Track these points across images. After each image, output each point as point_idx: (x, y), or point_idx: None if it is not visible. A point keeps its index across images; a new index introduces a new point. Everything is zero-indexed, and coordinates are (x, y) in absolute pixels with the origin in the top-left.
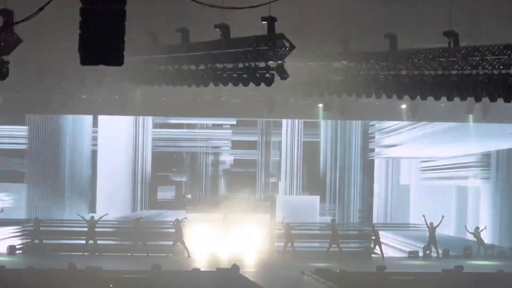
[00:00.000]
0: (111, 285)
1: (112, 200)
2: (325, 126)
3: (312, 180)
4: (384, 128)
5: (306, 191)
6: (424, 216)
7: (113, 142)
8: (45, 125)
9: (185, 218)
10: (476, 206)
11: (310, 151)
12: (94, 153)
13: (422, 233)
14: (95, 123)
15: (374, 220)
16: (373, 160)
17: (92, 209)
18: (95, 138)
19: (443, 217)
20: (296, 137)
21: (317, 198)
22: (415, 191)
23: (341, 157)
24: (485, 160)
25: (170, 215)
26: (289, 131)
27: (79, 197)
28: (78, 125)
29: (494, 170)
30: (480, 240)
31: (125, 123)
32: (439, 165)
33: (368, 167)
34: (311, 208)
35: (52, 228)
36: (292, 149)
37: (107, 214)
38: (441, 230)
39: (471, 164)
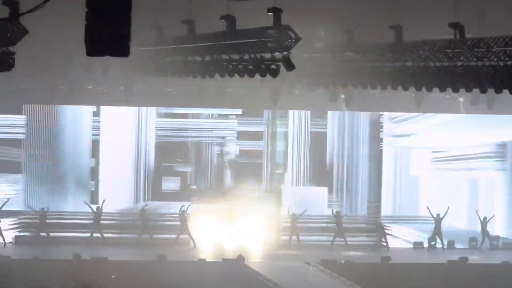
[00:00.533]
0: (113, 276)
1: (115, 191)
2: (332, 116)
3: (319, 171)
4: (394, 118)
5: (312, 182)
6: (428, 207)
7: (115, 132)
8: (43, 114)
9: (189, 205)
10: (490, 198)
11: (317, 142)
12: (94, 143)
13: (432, 225)
14: (95, 112)
15: (383, 212)
16: (381, 150)
17: (95, 200)
18: (95, 128)
19: (448, 207)
20: (303, 128)
21: (325, 190)
22: (426, 183)
23: (348, 148)
24: (501, 150)
25: (175, 207)
26: (296, 121)
27: (79, 188)
28: (77, 115)
29: (510, 161)
30: (484, 231)
31: (128, 112)
32: (451, 155)
33: (376, 158)
34: (319, 199)
35: (57, 221)
36: (299, 140)
37: (104, 201)
38: (453, 222)
39: (486, 154)
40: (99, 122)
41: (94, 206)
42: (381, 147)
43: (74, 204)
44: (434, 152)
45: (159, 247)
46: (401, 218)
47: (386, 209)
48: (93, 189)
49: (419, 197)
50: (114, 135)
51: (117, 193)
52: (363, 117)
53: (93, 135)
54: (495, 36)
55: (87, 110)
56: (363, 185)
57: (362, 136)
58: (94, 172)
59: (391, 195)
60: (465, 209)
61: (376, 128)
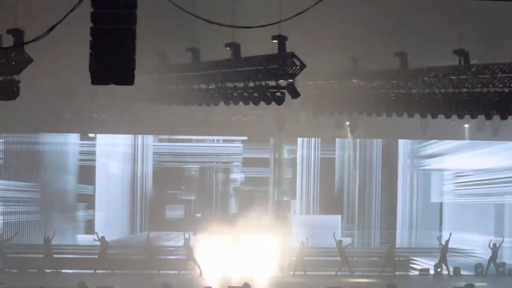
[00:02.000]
0: None
1: (111, 220)
2: (342, 141)
3: (328, 198)
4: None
5: (322, 210)
6: (438, 237)
7: (111, 158)
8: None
9: (190, 233)
10: None
11: (326, 168)
12: (89, 170)
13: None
14: (83, 137)
15: (398, 241)
16: (396, 175)
17: (90, 229)
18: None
19: (451, 234)
20: (312, 153)
21: (338, 218)
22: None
23: (360, 173)
24: None
25: (177, 236)
26: (305, 147)
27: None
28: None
29: None
30: (494, 257)
31: (124, 137)
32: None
33: (391, 183)
34: (331, 229)
35: (60, 256)
36: (308, 166)
37: (97, 234)
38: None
39: None
40: (87, 147)
41: (93, 238)
42: (397, 171)
43: (61, 235)
44: (457, 176)
45: (165, 275)
46: (415, 250)
47: (402, 238)
48: (90, 218)
49: (442, 224)
50: (110, 161)
51: (114, 222)
52: (376, 141)
53: (85, 160)
54: (500, 63)
55: (71, 134)
56: (376, 213)
57: (375, 161)
58: (90, 200)
59: (407, 223)
60: (492, 238)
61: (390, 152)
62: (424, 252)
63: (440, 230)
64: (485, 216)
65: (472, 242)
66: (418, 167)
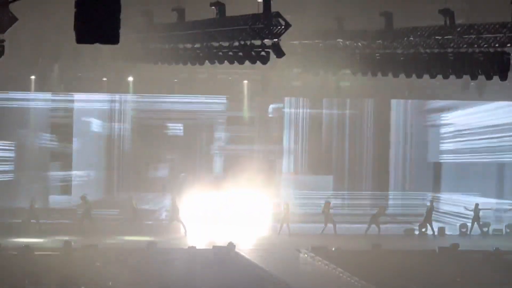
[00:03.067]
0: (98, 263)
1: (89, 181)
2: (329, 100)
3: (316, 158)
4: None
5: (311, 170)
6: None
7: (89, 115)
8: None
9: (174, 196)
10: None
11: (314, 127)
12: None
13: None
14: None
15: (390, 204)
16: (388, 134)
17: (67, 190)
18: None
19: (433, 196)
20: (300, 111)
21: (329, 178)
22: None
23: (350, 131)
24: None
25: (160, 196)
26: (293, 106)
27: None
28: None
29: None
30: (476, 217)
31: (101, 96)
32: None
33: (383, 142)
34: (320, 189)
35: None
36: (296, 125)
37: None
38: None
39: None
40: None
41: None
42: (389, 129)
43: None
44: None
45: (150, 233)
46: (408, 212)
47: (393, 201)
48: (68, 177)
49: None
50: (88, 119)
51: (93, 182)
52: (368, 99)
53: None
54: (486, 23)
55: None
56: (367, 173)
57: (366, 119)
58: (67, 159)
59: (400, 183)
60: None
61: (382, 110)
62: (418, 214)
63: (437, 192)
64: (486, 177)
65: (468, 204)
66: (413, 125)
